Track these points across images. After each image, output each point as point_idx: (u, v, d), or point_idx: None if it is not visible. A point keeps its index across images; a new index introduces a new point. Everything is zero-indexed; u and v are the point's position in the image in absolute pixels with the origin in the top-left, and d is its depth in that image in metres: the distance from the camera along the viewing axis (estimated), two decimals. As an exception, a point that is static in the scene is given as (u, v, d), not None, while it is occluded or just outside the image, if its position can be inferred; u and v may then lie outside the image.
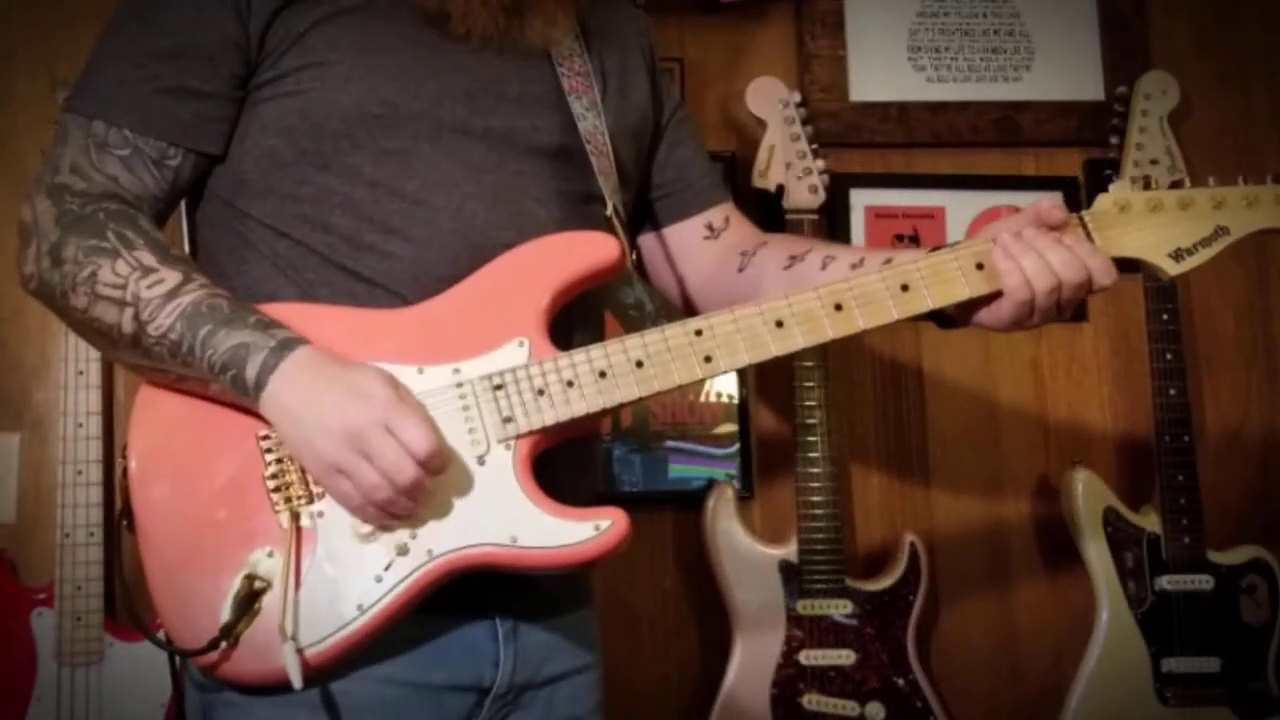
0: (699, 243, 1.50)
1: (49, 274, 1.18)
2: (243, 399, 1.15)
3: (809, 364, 2.21)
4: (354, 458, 1.11)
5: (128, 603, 1.18)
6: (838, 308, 1.25)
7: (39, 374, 2.30)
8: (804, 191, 2.28)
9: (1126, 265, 2.45)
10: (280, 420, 1.14)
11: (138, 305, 1.15)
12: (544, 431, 1.19)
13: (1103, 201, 1.30)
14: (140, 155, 1.22)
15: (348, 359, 1.16)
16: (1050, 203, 1.27)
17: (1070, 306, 1.27)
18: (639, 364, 1.22)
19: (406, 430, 1.10)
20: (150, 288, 1.16)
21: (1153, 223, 1.29)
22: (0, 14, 2.36)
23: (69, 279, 1.17)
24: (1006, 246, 1.24)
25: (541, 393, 1.19)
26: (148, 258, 1.17)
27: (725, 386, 2.43)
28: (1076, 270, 1.23)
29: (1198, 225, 1.30)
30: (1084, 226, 1.29)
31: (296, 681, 1.10)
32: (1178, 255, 1.30)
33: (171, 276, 1.17)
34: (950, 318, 1.32)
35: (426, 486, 1.12)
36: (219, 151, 1.27)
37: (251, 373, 1.13)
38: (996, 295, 1.26)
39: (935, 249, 1.30)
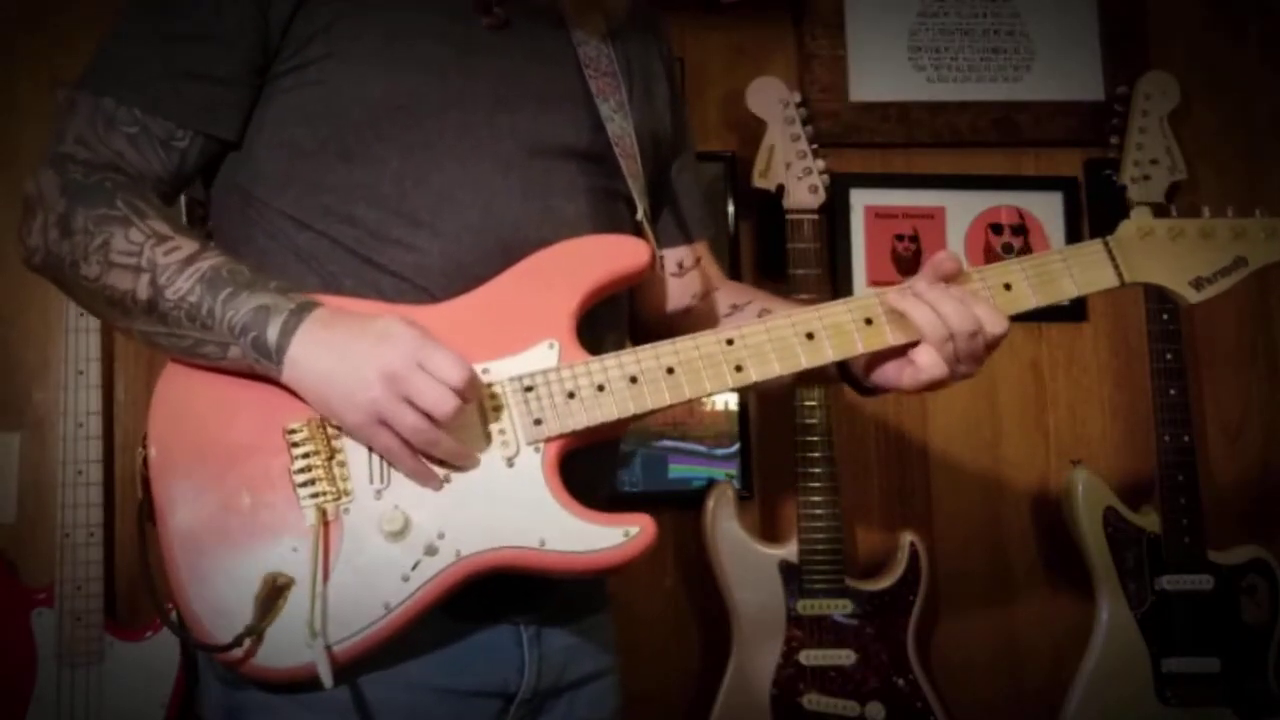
0: (666, 277, 1.48)
1: (57, 245, 1.17)
2: (263, 362, 1.13)
3: (809, 365, 2.21)
4: (394, 402, 1.10)
5: (153, 598, 1.15)
6: (868, 321, 1.25)
7: (39, 374, 2.30)
8: (804, 191, 2.28)
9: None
10: (307, 383, 1.13)
11: (154, 271, 1.14)
12: (573, 435, 1.19)
13: (1126, 228, 1.32)
14: (148, 135, 1.21)
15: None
16: (944, 254, 1.28)
17: (970, 360, 1.26)
18: (670, 370, 1.21)
19: (439, 363, 1.10)
20: (167, 254, 1.15)
21: (1174, 250, 1.31)
22: (1, 13, 2.37)
23: (79, 248, 1.16)
24: (896, 302, 1.25)
25: (572, 396, 1.18)
26: (162, 226, 1.16)
27: (725, 386, 2.43)
28: (966, 320, 1.23)
29: (1218, 255, 1.32)
30: (1109, 251, 1.30)
31: (327, 680, 1.09)
32: (1198, 284, 1.32)
33: (188, 244, 1.16)
34: (864, 385, 1.33)
35: (465, 416, 1.12)
36: (230, 137, 1.25)
37: (273, 334, 1.12)
38: (899, 353, 1.26)
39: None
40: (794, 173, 2.29)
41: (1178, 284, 1.32)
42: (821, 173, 2.29)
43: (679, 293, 1.48)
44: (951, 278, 1.27)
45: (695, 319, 1.46)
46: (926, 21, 2.58)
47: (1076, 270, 1.29)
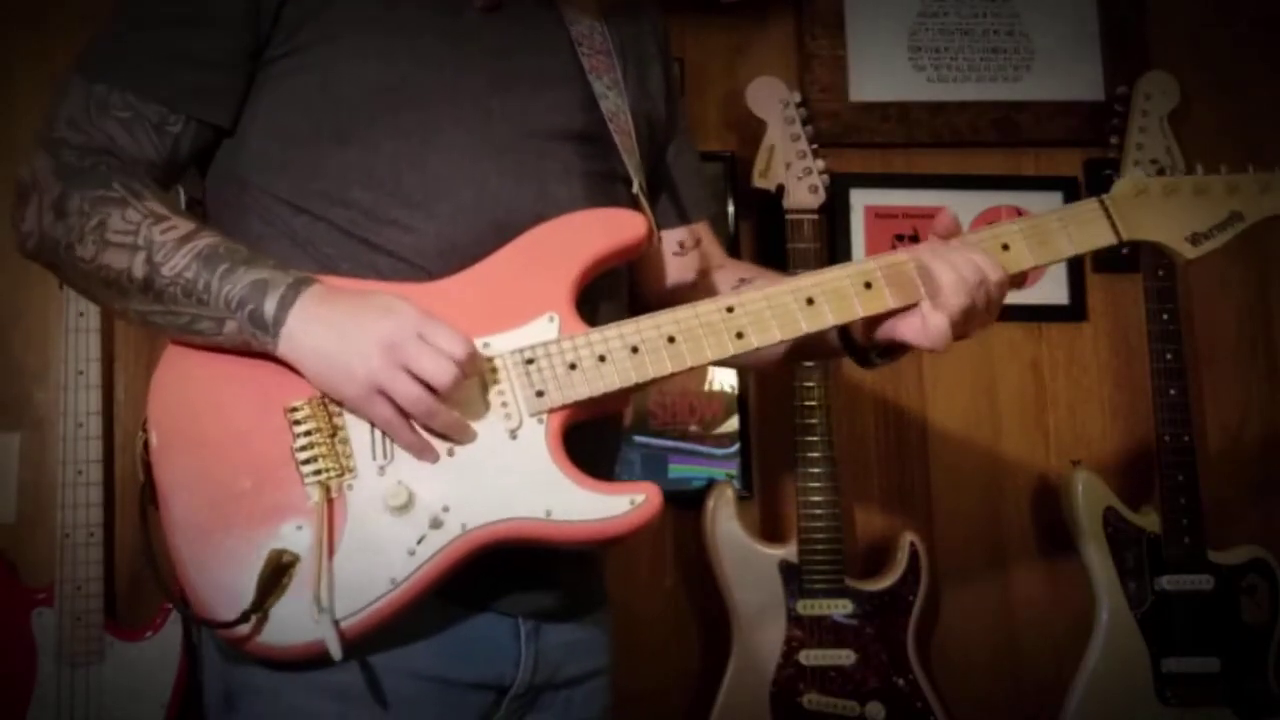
0: (666, 256, 1.49)
1: (52, 228, 1.17)
2: (260, 336, 1.13)
3: (809, 364, 2.21)
4: (393, 372, 1.10)
5: (157, 578, 1.15)
6: (867, 285, 1.26)
7: (39, 375, 2.30)
8: (804, 191, 2.28)
9: (1128, 264, 2.46)
10: (305, 357, 1.13)
11: (150, 249, 1.14)
12: (576, 405, 1.19)
13: (1121, 186, 1.33)
14: (140, 119, 1.21)
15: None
16: (943, 212, 1.31)
17: (983, 315, 1.26)
18: (671, 339, 1.21)
19: (439, 335, 1.11)
20: (164, 232, 1.15)
21: (1169, 207, 1.32)
22: (0, 13, 2.37)
23: (75, 230, 1.16)
24: (932, 263, 1.26)
25: (574, 367, 1.18)
26: (158, 207, 1.16)
27: (725, 385, 2.43)
28: (971, 269, 1.24)
29: (1213, 210, 1.33)
30: (1105, 209, 1.31)
31: (336, 653, 1.09)
32: (1195, 239, 1.32)
33: (184, 224, 1.16)
34: (870, 358, 1.34)
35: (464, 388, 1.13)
36: (223, 123, 1.25)
37: (270, 307, 1.12)
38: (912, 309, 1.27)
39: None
40: (794, 173, 2.29)
41: (1174, 240, 1.32)
42: (821, 173, 2.29)
43: (681, 271, 1.49)
44: (951, 235, 1.28)
45: (699, 296, 1.46)
46: (926, 21, 2.58)
47: (1074, 229, 1.30)
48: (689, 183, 1.53)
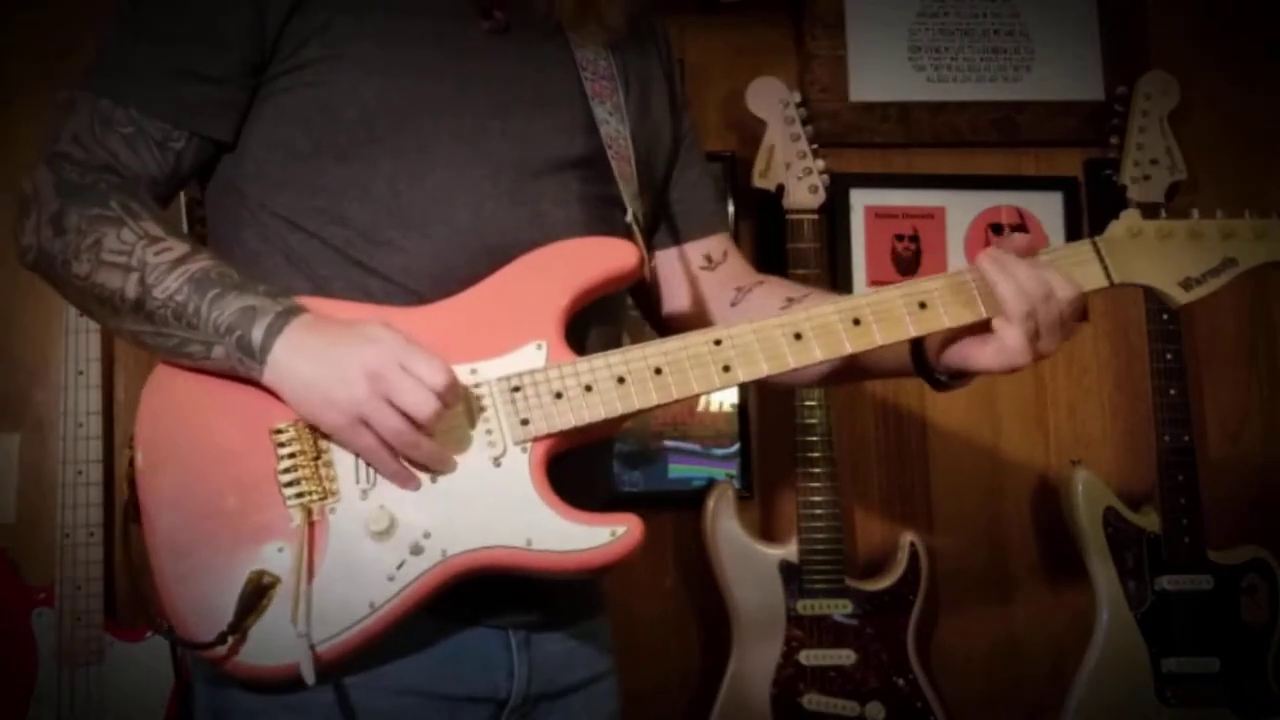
0: (694, 270, 1.48)
1: (50, 243, 1.18)
2: (246, 361, 1.13)
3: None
4: (376, 402, 1.10)
5: (137, 596, 1.15)
6: (856, 322, 1.25)
7: (39, 374, 2.30)
8: (804, 191, 2.28)
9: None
10: (289, 385, 1.13)
11: (143, 270, 1.14)
12: (561, 435, 1.19)
13: (1115, 228, 1.32)
14: (144, 135, 1.21)
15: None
16: (1019, 236, 1.29)
17: (1053, 331, 1.24)
18: (658, 371, 1.21)
19: (420, 365, 1.11)
20: (158, 254, 1.15)
21: (1163, 251, 1.31)
22: (0, 14, 2.37)
23: (71, 247, 1.16)
24: (988, 269, 1.24)
25: (560, 396, 1.19)
26: (154, 228, 1.17)
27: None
28: (1040, 284, 1.22)
29: (1207, 255, 1.32)
30: (1097, 251, 1.30)
31: (309, 677, 1.09)
32: (1187, 284, 1.32)
33: (179, 246, 1.16)
34: (939, 379, 1.33)
35: (446, 419, 1.13)
36: (226, 138, 1.25)
37: (258, 334, 1.13)
38: (984, 327, 1.25)
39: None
40: (794, 173, 2.29)
41: (1166, 284, 1.31)
42: (821, 173, 2.30)
43: (714, 285, 1.48)
44: (1027, 253, 1.26)
45: (739, 312, 1.44)
46: (926, 21, 2.58)
47: (1065, 270, 1.28)
48: (705, 195, 1.52)
